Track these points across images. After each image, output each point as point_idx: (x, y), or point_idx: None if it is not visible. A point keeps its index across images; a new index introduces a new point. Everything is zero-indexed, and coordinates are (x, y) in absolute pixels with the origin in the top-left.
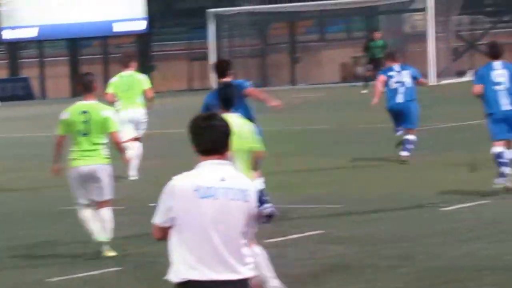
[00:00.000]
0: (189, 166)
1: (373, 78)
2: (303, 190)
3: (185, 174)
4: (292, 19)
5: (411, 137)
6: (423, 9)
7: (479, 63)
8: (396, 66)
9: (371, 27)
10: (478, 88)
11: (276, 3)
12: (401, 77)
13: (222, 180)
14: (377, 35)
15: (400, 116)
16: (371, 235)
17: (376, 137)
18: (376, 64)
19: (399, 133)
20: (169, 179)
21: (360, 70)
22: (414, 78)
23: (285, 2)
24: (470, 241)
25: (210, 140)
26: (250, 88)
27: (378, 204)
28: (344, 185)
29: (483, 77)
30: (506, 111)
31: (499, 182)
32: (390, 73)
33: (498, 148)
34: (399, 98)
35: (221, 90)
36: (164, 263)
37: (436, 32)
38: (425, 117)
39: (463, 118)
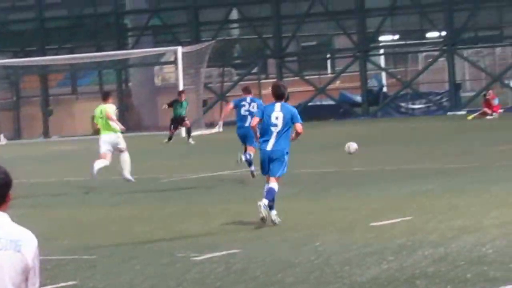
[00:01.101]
0: None
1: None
2: (57, 241)
3: None
4: (44, 72)
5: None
6: (173, 62)
7: (230, 114)
8: (248, 98)
9: (122, 80)
10: (255, 120)
11: (27, 56)
12: (250, 107)
13: None
14: (183, 96)
15: (245, 138)
16: (125, 285)
17: (133, 188)
18: (180, 121)
19: (245, 156)
20: None
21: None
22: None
23: (37, 56)
24: None
25: None
26: None
27: (131, 253)
28: (97, 235)
29: (263, 113)
30: (269, 151)
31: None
32: (243, 103)
33: (269, 183)
34: (247, 123)
35: None
36: None
37: (186, 85)
38: (175, 167)
39: (213, 168)
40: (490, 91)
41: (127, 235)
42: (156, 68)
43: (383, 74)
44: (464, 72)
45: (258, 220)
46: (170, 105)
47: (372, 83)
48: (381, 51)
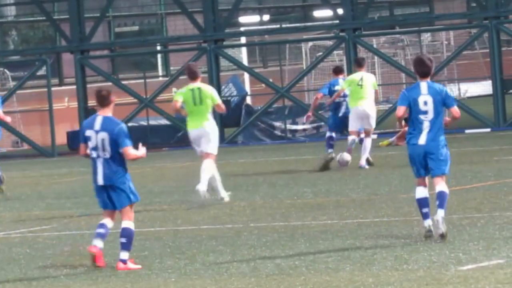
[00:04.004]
0: None
1: None
2: None
3: None
4: None
5: None
6: None
7: None
8: None
9: None
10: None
11: None
12: None
13: None
14: None
15: None
16: None
17: None
18: None
19: None
20: None
21: None
22: None
23: None
24: None
25: None
26: None
27: None
28: None
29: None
30: (423, 145)
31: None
32: None
33: None
34: None
35: None
36: None
37: None
38: None
39: None
40: None
41: None
42: None
43: (246, 76)
44: (374, 72)
45: (437, 237)
46: None
47: (228, 90)
48: (242, 39)
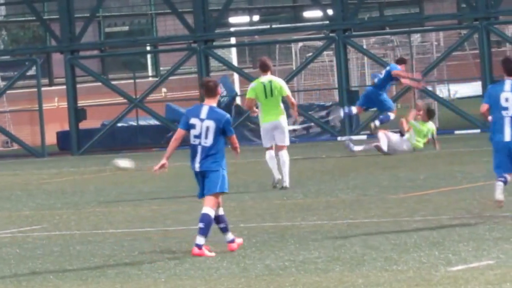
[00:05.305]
0: None
1: None
2: None
3: None
4: None
5: None
6: None
7: None
8: None
9: None
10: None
11: None
12: None
13: None
14: None
15: None
16: None
17: None
18: None
19: None
20: None
21: None
22: None
23: None
24: None
25: None
26: None
27: None
28: None
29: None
30: (509, 142)
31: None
32: None
33: None
34: None
35: None
36: None
37: None
38: None
39: None
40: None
41: None
42: None
43: (236, 77)
44: (364, 73)
45: (495, 201)
46: None
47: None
48: (232, 40)
